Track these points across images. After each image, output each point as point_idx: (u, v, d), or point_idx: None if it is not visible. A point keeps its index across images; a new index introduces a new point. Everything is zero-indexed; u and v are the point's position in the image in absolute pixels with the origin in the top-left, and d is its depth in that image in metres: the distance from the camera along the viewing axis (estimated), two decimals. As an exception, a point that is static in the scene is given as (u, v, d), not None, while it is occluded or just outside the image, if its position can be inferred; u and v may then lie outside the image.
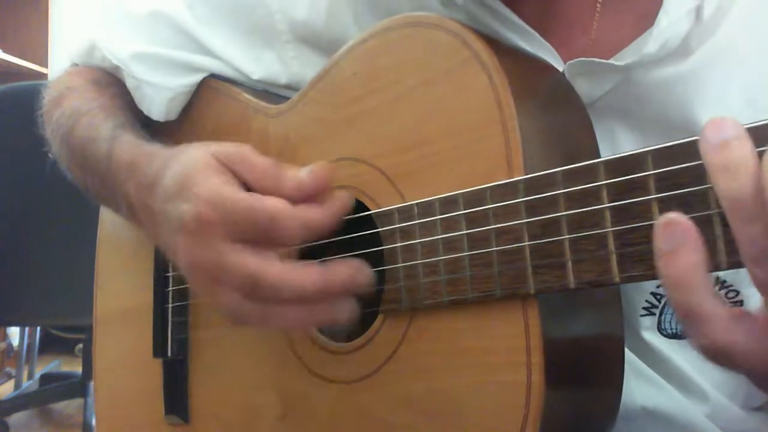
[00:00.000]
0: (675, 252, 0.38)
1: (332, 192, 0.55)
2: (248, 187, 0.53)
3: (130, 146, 0.65)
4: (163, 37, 0.75)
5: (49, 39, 3.37)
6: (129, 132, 0.68)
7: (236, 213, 0.50)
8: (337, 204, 0.54)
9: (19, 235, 1.83)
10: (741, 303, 0.58)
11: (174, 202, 0.53)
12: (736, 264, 0.38)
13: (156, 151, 0.62)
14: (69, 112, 0.73)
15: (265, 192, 0.52)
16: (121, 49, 0.75)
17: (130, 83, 0.76)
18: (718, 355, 0.38)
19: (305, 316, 0.53)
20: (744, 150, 0.36)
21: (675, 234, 0.38)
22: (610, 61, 0.58)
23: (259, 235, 0.51)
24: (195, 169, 0.53)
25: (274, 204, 0.51)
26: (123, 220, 0.71)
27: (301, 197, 0.53)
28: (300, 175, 0.53)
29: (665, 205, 0.40)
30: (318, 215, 0.52)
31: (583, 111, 0.58)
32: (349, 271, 0.53)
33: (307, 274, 0.51)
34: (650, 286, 0.61)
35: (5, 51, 3.07)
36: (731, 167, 0.36)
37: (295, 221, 0.51)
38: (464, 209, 0.51)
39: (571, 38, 0.62)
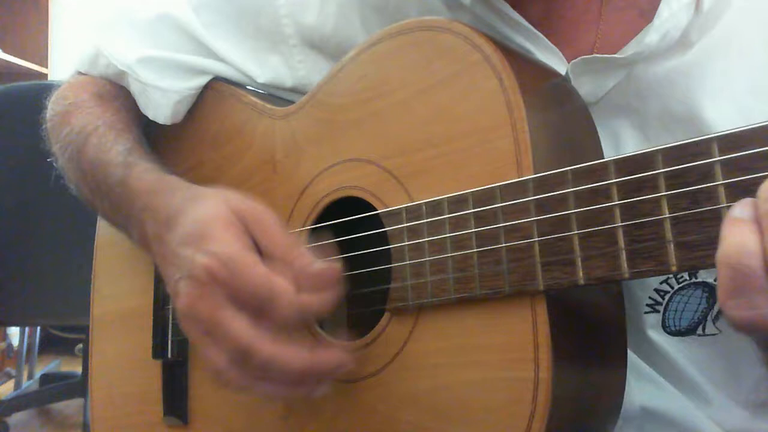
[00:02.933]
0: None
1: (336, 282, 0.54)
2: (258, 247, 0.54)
3: (147, 174, 0.66)
4: (168, 40, 0.75)
5: (49, 39, 3.37)
6: (142, 157, 0.69)
7: (243, 280, 0.51)
8: (336, 293, 0.54)
9: (20, 234, 1.83)
10: None
11: (190, 247, 0.54)
12: None
13: (176, 184, 0.63)
14: (77, 130, 0.73)
15: (272, 261, 0.53)
16: (127, 53, 0.75)
17: (135, 88, 0.76)
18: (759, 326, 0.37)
19: (284, 392, 0.54)
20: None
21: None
22: (613, 55, 0.58)
23: (258, 308, 0.52)
24: (215, 222, 0.54)
25: (278, 284, 0.51)
26: None
27: (306, 284, 0.53)
28: (311, 264, 0.53)
29: (675, 203, 0.41)
30: (315, 304, 0.53)
31: (587, 112, 0.58)
32: (335, 359, 0.54)
33: (296, 358, 0.52)
34: (654, 283, 0.61)
35: (5, 51, 3.06)
36: (743, 246, 0.36)
37: (292, 307, 0.52)
38: (474, 208, 0.51)
39: (575, 37, 0.62)
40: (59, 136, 0.76)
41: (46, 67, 3.34)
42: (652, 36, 0.56)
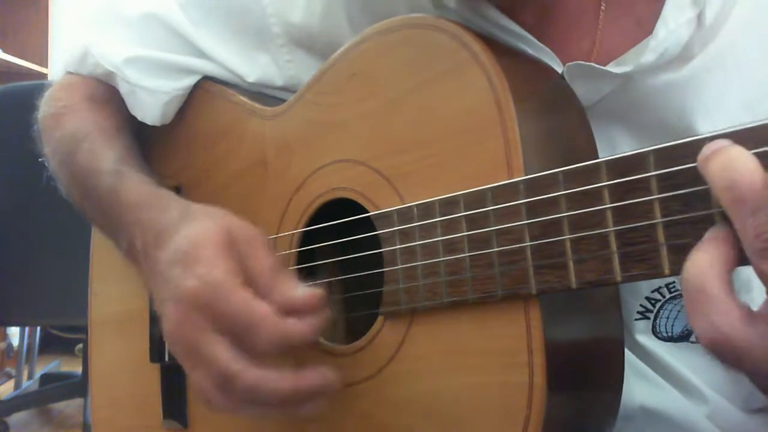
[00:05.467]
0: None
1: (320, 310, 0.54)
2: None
3: (138, 187, 0.66)
4: (156, 39, 0.75)
5: (49, 39, 3.37)
6: (133, 167, 0.69)
7: (226, 307, 0.51)
8: (320, 322, 0.53)
9: (19, 234, 1.83)
10: None
11: (178, 268, 0.54)
12: (738, 262, 0.38)
13: (167, 199, 0.63)
14: (69, 134, 0.73)
15: (257, 286, 0.53)
16: (114, 53, 0.75)
17: (123, 88, 0.75)
18: (725, 351, 0.38)
19: (272, 413, 0.54)
20: (737, 148, 0.36)
21: None
22: (608, 68, 0.57)
23: (239, 334, 0.51)
24: (206, 244, 0.54)
25: (259, 311, 0.51)
26: None
27: (289, 310, 0.52)
28: (295, 292, 0.53)
29: (667, 205, 0.40)
30: (298, 331, 0.52)
31: (582, 113, 0.58)
32: (319, 380, 0.53)
33: (280, 382, 0.51)
34: (645, 290, 0.61)
35: (5, 51, 3.06)
36: (728, 163, 0.36)
37: (273, 333, 0.51)
38: (465, 210, 0.50)
39: (570, 44, 0.61)
40: (51, 139, 0.76)
41: (46, 67, 3.33)
42: (648, 56, 0.55)
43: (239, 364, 0.50)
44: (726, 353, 0.38)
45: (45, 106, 0.78)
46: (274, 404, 0.52)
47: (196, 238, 0.55)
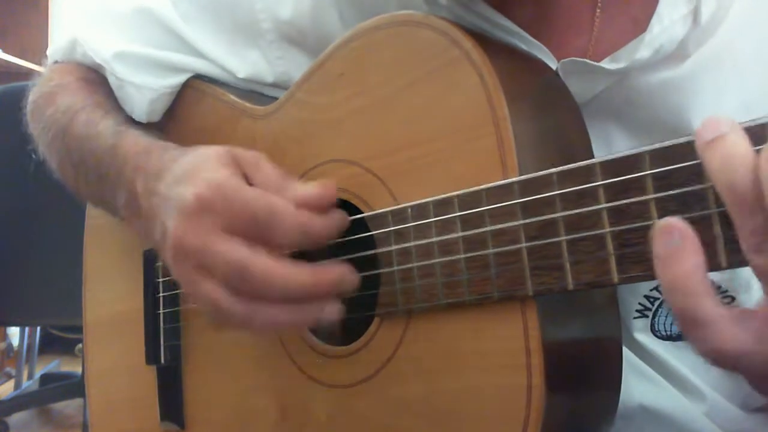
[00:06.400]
0: (672, 255, 0.38)
1: (334, 209, 0.54)
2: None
3: (140, 137, 0.65)
4: (146, 35, 0.74)
5: (49, 39, 3.37)
6: (135, 126, 0.68)
7: (237, 202, 0.50)
8: (338, 219, 0.53)
9: (19, 234, 1.83)
10: None
11: (179, 184, 0.53)
12: (736, 263, 0.38)
13: (170, 144, 0.63)
14: (63, 108, 0.72)
15: (265, 188, 0.52)
16: (104, 47, 0.74)
17: (112, 82, 0.75)
18: (720, 358, 0.38)
19: (291, 316, 0.51)
20: (740, 142, 0.36)
21: (672, 238, 0.38)
22: (602, 64, 0.57)
23: (256, 231, 0.50)
24: (206, 159, 0.53)
25: (277, 201, 0.50)
26: (109, 226, 0.70)
27: (304, 208, 0.52)
28: (307, 188, 0.53)
29: (663, 205, 0.40)
30: (318, 223, 0.52)
31: (577, 110, 0.57)
32: (338, 272, 0.52)
33: (296, 271, 0.50)
34: (644, 289, 0.60)
35: (5, 51, 3.07)
36: (729, 159, 0.36)
37: (294, 222, 0.50)
38: (459, 211, 0.50)
39: (566, 41, 0.61)
40: (42, 116, 0.74)
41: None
42: (642, 52, 0.55)
43: (253, 255, 0.49)
44: (722, 363, 0.38)
45: (35, 90, 0.78)
46: (290, 302, 0.51)
47: (195, 159, 0.54)
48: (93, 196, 0.73)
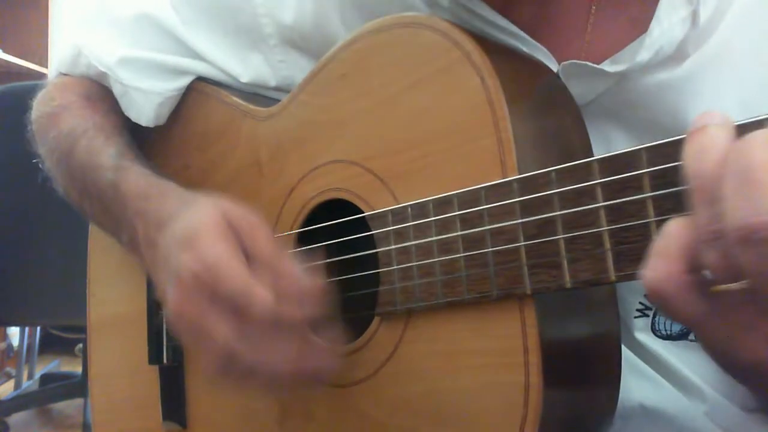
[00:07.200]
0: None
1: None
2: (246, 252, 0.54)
3: (140, 178, 0.66)
4: (149, 40, 0.74)
5: (49, 39, 3.37)
6: (133, 161, 0.69)
7: (224, 285, 0.51)
8: (317, 309, 0.54)
9: (19, 235, 1.83)
10: None
11: (178, 250, 0.54)
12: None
13: (168, 188, 0.64)
14: (66, 132, 0.73)
15: (257, 265, 0.53)
16: (107, 54, 0.74)
17: (117, 90, 0.75)
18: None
19: (276, 391, 0.56)
20: (719, 134, 0.36)
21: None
22: (602, 67, 0.57)
23: (237, 313, 0.52)
24: (205, 227, 0.54)
25: (258, 294, 0.51)
26: None
27: (287, 293, 0.53)
28: (295, 280, 0.53)
29: (660, 203, 0.40)
30: (292, 316, 0.52)
31: (577, 111, 0.57)
32: (320, 362, 0.54)
33: (280, 362, 0.52)
34: (644, 288, 0.60)
35: (5, 51, 3.06)
36: (703, 148, 0.36)
37: (267, 316, 0.51)
38: (459, 210, 0.50)
39: (565, 42, 0.61)
40: (46, 138, 0.75)
41: (46, 67, 3.33)
42: (643, 54, 0.55)
43: (239, 345, 0.51)
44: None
45: (39, 106, 0.78)
46: (276, 383, 0.54)
47: (196, 222, 0.55)
48: (96, 221, 0.75)
